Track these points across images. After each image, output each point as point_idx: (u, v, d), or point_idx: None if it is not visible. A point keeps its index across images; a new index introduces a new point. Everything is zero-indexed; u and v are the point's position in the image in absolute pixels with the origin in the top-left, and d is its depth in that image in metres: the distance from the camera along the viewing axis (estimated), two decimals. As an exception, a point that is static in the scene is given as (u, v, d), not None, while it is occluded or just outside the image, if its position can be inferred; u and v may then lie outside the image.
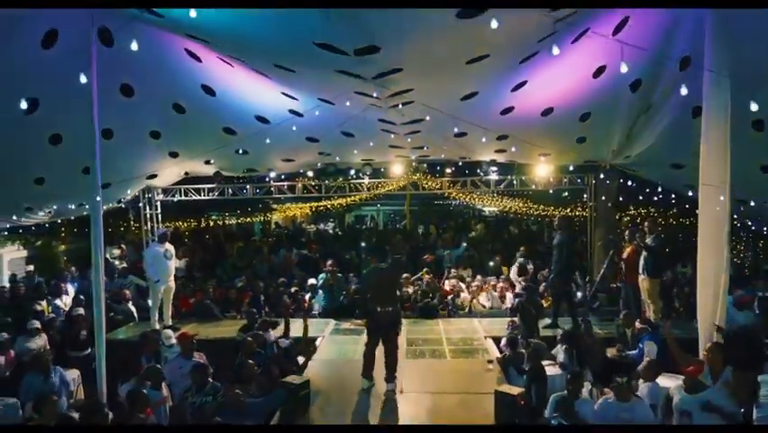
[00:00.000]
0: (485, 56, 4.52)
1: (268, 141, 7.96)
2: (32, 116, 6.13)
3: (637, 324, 6.53)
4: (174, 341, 6.86)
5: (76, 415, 4.76)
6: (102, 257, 5.77)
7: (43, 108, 6.15)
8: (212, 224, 14.58)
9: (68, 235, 10.70)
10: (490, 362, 6.27)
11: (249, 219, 17.00)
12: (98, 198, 5.73)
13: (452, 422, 4.77)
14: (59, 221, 9.77)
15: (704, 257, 5.11)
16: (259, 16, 3.40)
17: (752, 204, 7.82)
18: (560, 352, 6.02)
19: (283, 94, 6.41)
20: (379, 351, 5.87)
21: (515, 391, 4.72)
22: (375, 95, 5.12)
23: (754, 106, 5.13)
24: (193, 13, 3.65)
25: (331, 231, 19.06)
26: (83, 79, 5.18)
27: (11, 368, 6.75)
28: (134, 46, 4.90)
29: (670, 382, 5.16)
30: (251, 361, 5.39)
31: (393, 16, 3.19)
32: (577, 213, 12.43)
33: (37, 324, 7.22)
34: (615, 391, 4.77)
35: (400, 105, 5.66)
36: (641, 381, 5.10)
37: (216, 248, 13.36)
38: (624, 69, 4.64)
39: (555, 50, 4.31)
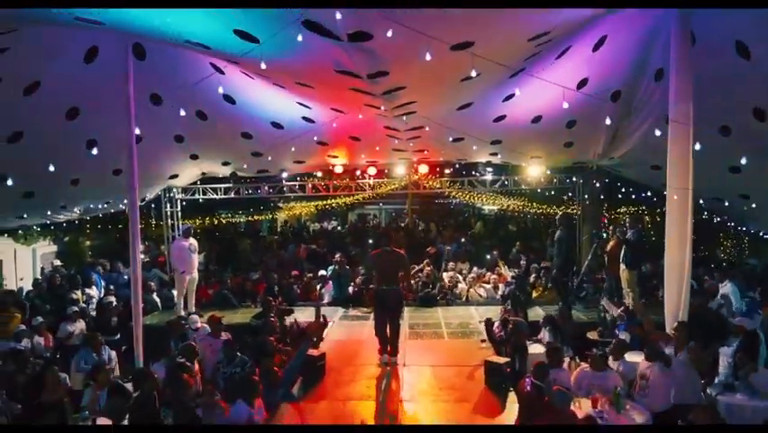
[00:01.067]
0: (476, 74, 5.26)
1: (282, 145, 8.71)
2: (72, 123, 6.89)
3: (617, 312, 7.29)
4: (199, 325, 7.63)
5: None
6: (138, 251, 6.59)
7: (83, 116, 6.91)
8: (224, 222, 15.34)
9: (92, 232, 11.51)
10: (483, 341, 7.04)
11: (257, 217, 17.75)
12: (136, 198, 6.55)
13: (447, 389, 5.55)
14: (88, 218, 10.56)
15: (670, 252, 5.78)
16: (290, 49, 4.14)
17: (700, 202, 8.57)
18: (545, 333, 6.79)
19: (298, 103, 7.14)
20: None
21: (502, 360, 5.54)
22: (383, 108, 5.88)
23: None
24: (263, 65, 4.36)
25: (339, 228, 19.81)
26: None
27: (51, 349, 7.52)
28: (221, 90, 5.94)
29: (638, 358, 5.93)
30: (271, 338, 6.18)
31: (400, 49, 3.96)
32: (571, 210, 13.13)
33: (76, 309, 8.02)
34: (590, 361, 5.55)
35: (404, 118, 6.41)
36: (611, 358, 5.84)
37: (229, 244, 14.20)
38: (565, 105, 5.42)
39: (517, 92, 5.10)
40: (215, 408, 4.48)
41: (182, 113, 7.27)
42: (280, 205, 18.29)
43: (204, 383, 6.11)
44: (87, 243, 11.79)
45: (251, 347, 6.53)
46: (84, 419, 4.73)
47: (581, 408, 4.88)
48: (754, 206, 8.73)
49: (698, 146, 6.47)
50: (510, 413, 4.91)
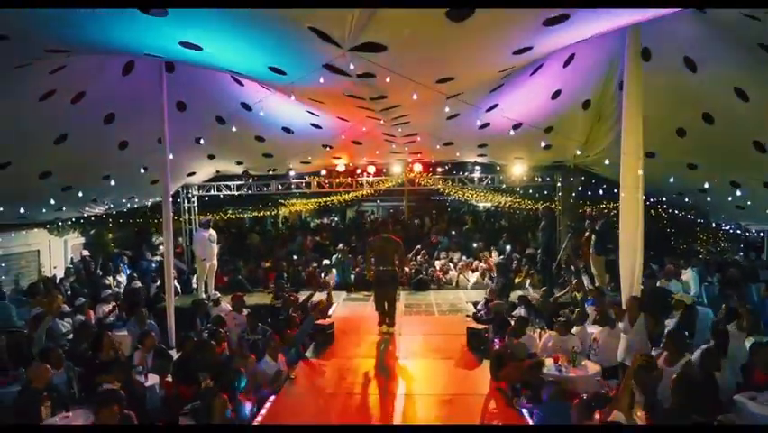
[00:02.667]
0: (459, 93, 6.31)
1: (291, 147, 9.72)
2: (108, 126, 7.86)
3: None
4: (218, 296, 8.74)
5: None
6: (171, 241, 7.69)
7: (118, 120, 7.88)
8: (234, 217, 16.30)
9: (115, 225, 12.56)
10: (468, 316, 8.16)
11: (261, 213, 18.71)
12: (169, 195, 7.65)
13: (434, 350, 6.66)
14: (114, 212, 11.62)
15: (624, 241, 6.60)
16: (312, 80, 5.19)
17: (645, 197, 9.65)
18: (520, 309, 7.91)
19: (307, 111, 8.14)
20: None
21: (480, 326, 6.66)
22: (382, 121, 6.96)
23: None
24: (293, 97, 5.35)
25: (336, 224, 20.85)
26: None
27: (93, 326, 8.56)
28: (262, 113, 7.03)
29: (595, 330, 7.03)
30: (292, 311, 7.31)
31: (396, 83, 5.11)
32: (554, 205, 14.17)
33: (110, 292, 9.11)
34: (556, 328, 6.64)
35: (399, 129, 7.49)
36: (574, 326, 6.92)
37: (237, 237, 15.31)
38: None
39: (478, 123, 6.17)
40: (248, 359, 5.55)
41: (234, 129, 8.34)
42: (282, 202, 19.25)
43: (230, 350, 7.20)
44: (110, 235, 12.86)
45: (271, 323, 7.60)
46: (139, 373, 5.79)
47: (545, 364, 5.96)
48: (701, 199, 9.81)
49: (655, 148, 7.60)
50: (485, 367, 6.01)
